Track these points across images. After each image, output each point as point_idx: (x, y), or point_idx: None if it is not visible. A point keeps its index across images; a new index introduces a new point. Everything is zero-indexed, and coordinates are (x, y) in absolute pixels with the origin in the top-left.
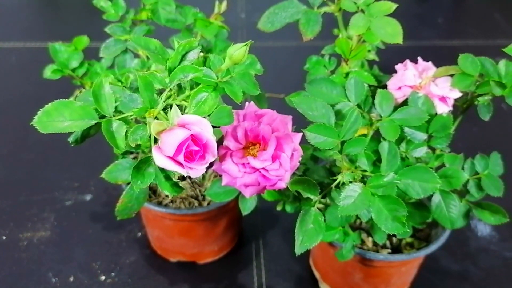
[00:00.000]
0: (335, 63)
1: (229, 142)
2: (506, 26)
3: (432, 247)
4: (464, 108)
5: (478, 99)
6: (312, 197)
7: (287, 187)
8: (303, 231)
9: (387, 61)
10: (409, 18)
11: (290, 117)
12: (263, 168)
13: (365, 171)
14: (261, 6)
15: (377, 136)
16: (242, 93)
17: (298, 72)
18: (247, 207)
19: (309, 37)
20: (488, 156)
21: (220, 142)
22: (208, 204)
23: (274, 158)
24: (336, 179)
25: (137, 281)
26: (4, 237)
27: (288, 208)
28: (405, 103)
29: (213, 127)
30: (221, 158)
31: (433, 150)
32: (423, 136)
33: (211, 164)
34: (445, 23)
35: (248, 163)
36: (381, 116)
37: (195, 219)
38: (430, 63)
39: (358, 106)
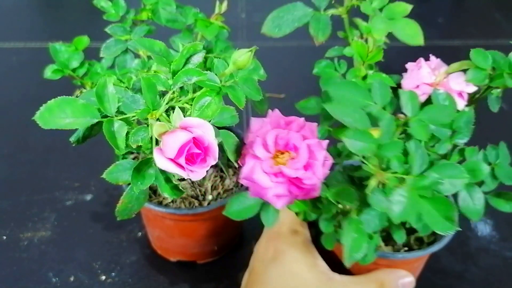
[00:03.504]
0: (346, 66)
1: (258, 151)
2: (506, 26)
3: (445, 240)
4: (475, 100)
5: (492, 91)
6: (351, 205)
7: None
8: (348, 242)
9: (388, 61)
10: (410, 18)
11: (315, 124)
12: (296, 177)
13: (395, 172)
14: (262, 6)
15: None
16: (245, 98)
17: (298, 72)
18: (270, 221)
19: (321, 41)
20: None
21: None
22: (208, 204)
23: (307, 166)
24: (364, 184)
25: (138, 281)
26: (4, 237)
27: (312, 217)
28: (428, 101)
29: (227, 128)
30: (250, 169)
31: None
32: (448, 132)
33: (212, 166)
34: (445, 23)
35: (280, 172)
36: (407, 117)
37: (195, 219)
38: (439, 60)
39: (384, 108)
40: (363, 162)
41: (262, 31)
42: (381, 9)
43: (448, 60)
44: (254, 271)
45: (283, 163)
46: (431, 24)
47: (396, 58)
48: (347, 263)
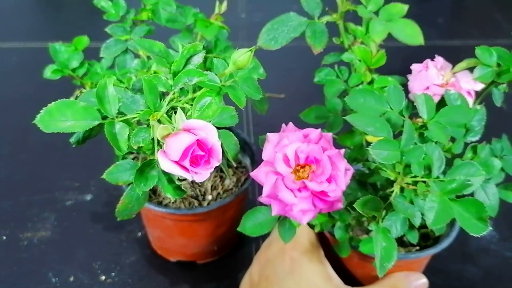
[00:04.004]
0: (347, 72)
1: (280, 167)
2: (506, 26)
3: (453, 234)
4: (479, 98)
5: (499, 87)
6: (377, 214)
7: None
8: (379, 252)
9: (385, 63)
10: (409, 18)
11: (331, 134)
12: (321, 191)
13: (415, 177)
14: (262, 6)
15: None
16: (245, 98)
17: (298, 72)
18: (287, 236)
19: (319, 49)
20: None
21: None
22: (208, 204)
23: (330, 178)
24: (385, 190)
25: (138, 281)
26: (4, 237)
27: (325, 227)
28: (441, 102)
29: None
30: (273, 186)
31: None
32: (463, 132)
33: (215, 168)
34: (445, 23)
35: (304, 187)
36: (424, 120)
37: (195, 219)
38: (443, 59)
39: (400, 113)
40: (380, 168)
41: (257, 44)
42: (377, 12)
43: (448, 61)
44: (269, 280)
45: (304, 177)
46: (431, 24)
47: (394, 59)
48: (380, 273)
